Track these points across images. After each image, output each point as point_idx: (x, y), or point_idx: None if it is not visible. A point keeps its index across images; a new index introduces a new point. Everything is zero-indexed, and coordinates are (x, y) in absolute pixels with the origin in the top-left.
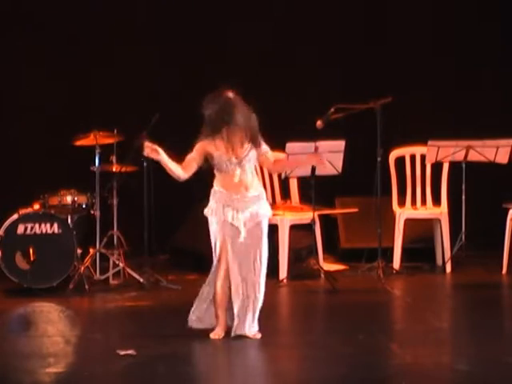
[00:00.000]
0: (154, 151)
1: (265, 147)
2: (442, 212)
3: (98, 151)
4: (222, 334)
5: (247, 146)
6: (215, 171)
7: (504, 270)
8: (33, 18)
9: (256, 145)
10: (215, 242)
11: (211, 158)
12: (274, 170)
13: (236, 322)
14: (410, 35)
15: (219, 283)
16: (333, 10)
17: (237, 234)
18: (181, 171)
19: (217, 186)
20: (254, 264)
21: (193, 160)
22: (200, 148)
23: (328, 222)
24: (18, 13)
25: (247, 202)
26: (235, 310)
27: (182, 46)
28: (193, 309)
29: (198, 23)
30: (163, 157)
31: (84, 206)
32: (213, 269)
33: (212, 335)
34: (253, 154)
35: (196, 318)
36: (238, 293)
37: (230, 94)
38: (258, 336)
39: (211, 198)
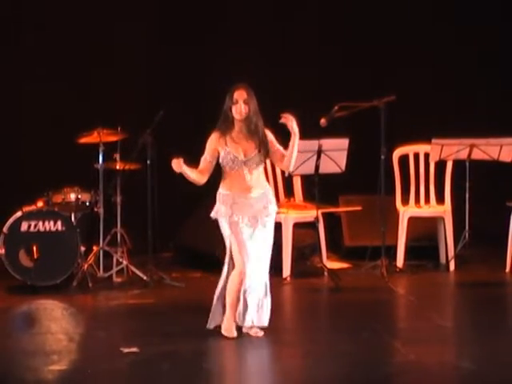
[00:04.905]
0: (180, 166)
1: (278, 146)
2: (445, 210)
3: (101, 149)
4: (235, 332)
5: (256, 147)
6: (223, 170)
7: (508, 268)
8: (34, 18)
9: (264, 148)
10: (229, 242)
11: (220, 154)
12: (284, 165)
13: (252, 315)
14: (414, 33)
15: (232, 283)
16: (337, 8)
17: (246, 233)
18: (200, 177)
19: (222, 189)
20: (262, 262)
21: (207, 162)
22: (212, 144)
23: (332, 220)
24: (18, 12)
25: (252, 202)
26: (250, 306)
27: (185, 44)
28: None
29: (199, 22)
30: (185, 169)
31: (88, 204)
32: (224, 268)
33: (226, 334)
34: (261, 156)
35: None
36: (251, 289)
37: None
38: (260, 334)
39: (217, 201)
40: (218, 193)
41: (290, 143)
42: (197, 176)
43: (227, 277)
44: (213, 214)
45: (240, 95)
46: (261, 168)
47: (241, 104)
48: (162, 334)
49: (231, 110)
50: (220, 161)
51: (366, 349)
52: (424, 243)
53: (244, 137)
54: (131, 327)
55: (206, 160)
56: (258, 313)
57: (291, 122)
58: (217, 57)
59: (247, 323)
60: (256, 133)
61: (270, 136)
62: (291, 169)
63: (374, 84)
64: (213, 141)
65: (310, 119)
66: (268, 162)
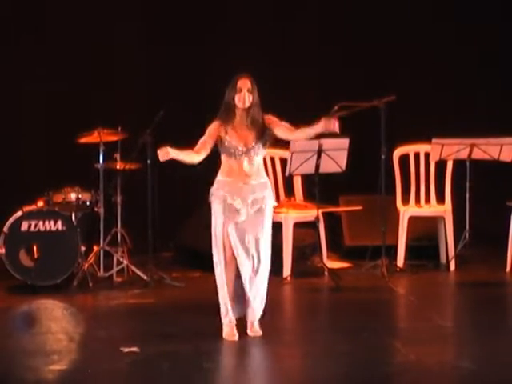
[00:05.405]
0: (166, 154)
1: (283, 122)
2: (446, 210)
3: (102, 149)
4: (236, 335)
5: (256, 137)
6: (222, 157)
7: (508, 268)
8: (34, 18)
9: (264, 138)
10: (215, 226)
11: (220, 142)
12: (297, 135)
13: (248, 308)
14: (413, 33)
15: (225, 271)
16: (337, 8)
17: (237, 216)
18: (195, 156)
19: (220, 176)
20: (255, 250)
21: (205, 143)
22: (212, 129)
23: (332, 220)
24: (18, 13)
25: (252, 188)
26: (248, 296)
27: (185, 44)
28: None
29: (199, 22)
30: (175, 154)
31: (88, 204)
32: (214, 254)
33: (228, 338)
34: (261, 145)
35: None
36: (246, 278)
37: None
38: (259, 333)
39: (214, 185)
40: (216, 180)
41: (315, 125)
42: (190, 156)
43: (221, 275)
44: (210, 193)
45: (244, 84)
46: (261, 158)
47: (245, 92)
48: (162, 334)
49: (234, 99)
50: (223, 148)
51: (366, 349)
52: (424, 243)
53: (245, 126)
54: (131, 327)
55: (205, 141)
56: (258, 308)
57: (333, 126)
58: (217, 57)
59: (251, 318)
60: (257, 123)
61: (273, 118)
62: (300, 138)
63: (374, 84)
64: (213, 128)
65: (310, 119)
66: (268, 162)
